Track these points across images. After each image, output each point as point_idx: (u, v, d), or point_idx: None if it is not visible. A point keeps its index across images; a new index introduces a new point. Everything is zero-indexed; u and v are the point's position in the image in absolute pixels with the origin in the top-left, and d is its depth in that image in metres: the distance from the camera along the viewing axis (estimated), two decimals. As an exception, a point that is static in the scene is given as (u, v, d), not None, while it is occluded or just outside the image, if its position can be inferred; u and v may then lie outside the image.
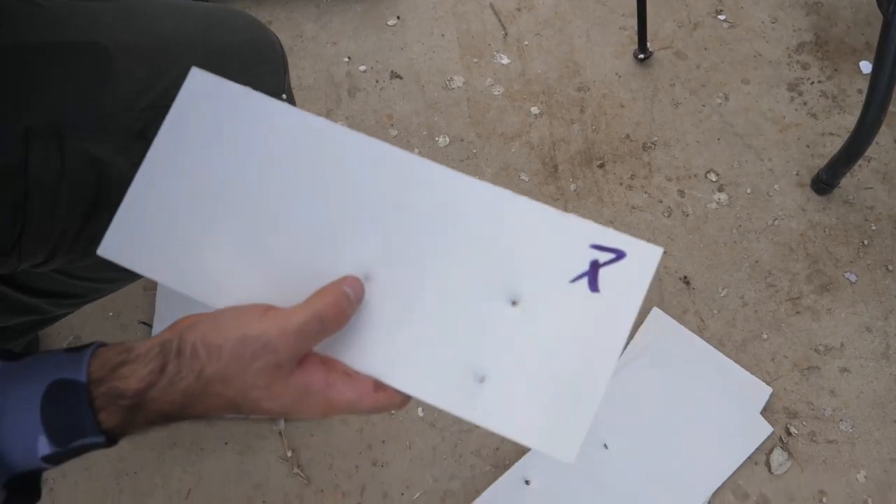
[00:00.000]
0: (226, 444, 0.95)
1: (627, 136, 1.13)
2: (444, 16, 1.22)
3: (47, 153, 0.55)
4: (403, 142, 1.12)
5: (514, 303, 0.47)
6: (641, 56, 1.17)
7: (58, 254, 0.61)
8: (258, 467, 0.94)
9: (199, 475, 0.94)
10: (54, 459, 0.44)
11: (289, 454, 0.94)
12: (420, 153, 1.11)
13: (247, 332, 0.43)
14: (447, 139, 1.13)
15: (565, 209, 1.08)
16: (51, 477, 0.93)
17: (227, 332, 0.43)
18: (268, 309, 0.45)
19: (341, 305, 0.46)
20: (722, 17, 1.23)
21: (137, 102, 0.59)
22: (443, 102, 1.15)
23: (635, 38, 1.17)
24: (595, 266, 0.47)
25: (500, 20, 1.22)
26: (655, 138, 1.13)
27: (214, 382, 0.43)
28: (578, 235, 0.47)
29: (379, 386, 0.46)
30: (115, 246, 0.50)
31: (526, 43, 1.20)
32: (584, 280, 0.46)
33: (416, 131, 1.13)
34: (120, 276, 0.75)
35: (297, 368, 0.44)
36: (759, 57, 1.20)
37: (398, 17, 1.21)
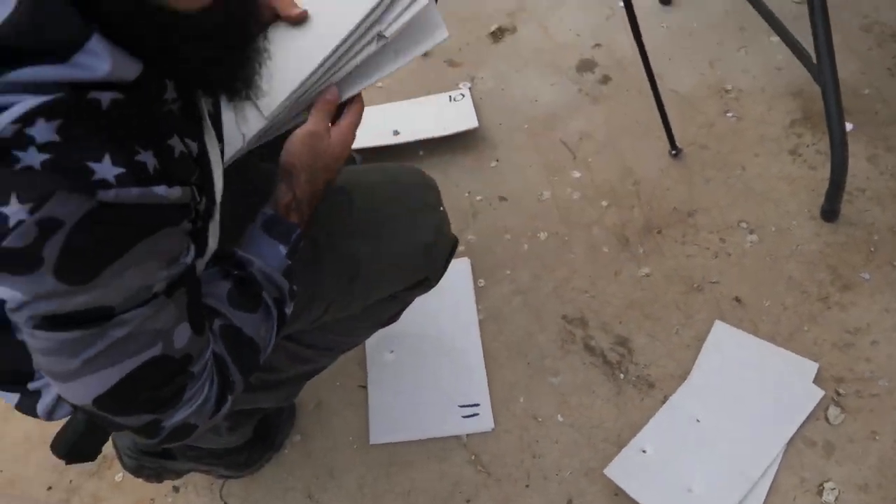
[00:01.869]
0: (427, 458, 1.35)
1: (675, 209, 1.55)
2: (529, 152, 1.70)
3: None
4: (517, 242, 1.56)
5: None
6: (674, 153, 1.61)
7: (329, 309, 1.07)
8: (453, 470, 1.33)
9: (412, 482, 1.34)
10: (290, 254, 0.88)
11: (472, 458, 1.33)
12: (529, 246, 1.56)
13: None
14: (546, 234, 1.57)
15: (638, 268, 1.49)
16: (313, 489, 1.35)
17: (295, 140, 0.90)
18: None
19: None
20: (730, 115, 1.66)
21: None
22: (538, 210, 1.61)
23: (663, 141, 1.61)
24: None
25: (569, 148, 1.69)
26: (696, 206, 1.55)
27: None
28: None
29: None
30: None
31: (590, 160, 1.66)
32: None
33: (524, 233, 1.58)
34: (362, 334, 1.20)
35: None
36: (763, 136, 1.62)
37: (497, 160, 1.70)
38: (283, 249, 0.90)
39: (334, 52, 0.90)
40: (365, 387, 1.43)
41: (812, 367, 1.34)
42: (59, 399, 0.96)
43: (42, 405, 0.98)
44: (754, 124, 1.64)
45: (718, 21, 1.84)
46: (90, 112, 0.63)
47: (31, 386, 0.96)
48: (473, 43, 1.92)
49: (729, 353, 1.37)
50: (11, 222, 0.61)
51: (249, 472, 1.40)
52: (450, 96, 1.80)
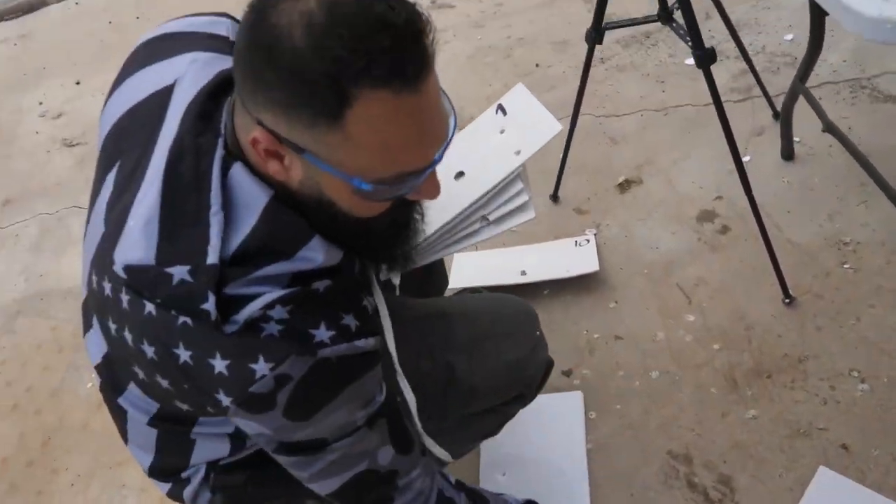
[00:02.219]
0: None
1: (785, 354, 1.60)
2: (647, 296, 1.81)
3: None
4: (629, 379, 1.66)
5: None
6: (787, 301, 1.67)
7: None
8: None
9: None
10: None
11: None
12: (640, 383, 1.64)
13: None
14: (657, 373, 1.65)
15: (745, 410, 1.54)
16: None
17: None
18: None
19: None
20: (847, 266, 1.71)
21: None
22: (651, 350, 1.70)
23: (776, 289, 1.68)
24: None
25: (684, 293, 1.78)
26: (807, 353, 1.59)
27: None
28: None
29: None
30: None
31: (704, 304, 1.75)
32: None
33: (637, 371, 1.67)
34: (467, 444, 1.35)
35: None
36: (881, 288, 1.65)
37: (616, 301, 1.82)
38: None
39: (448, 223, 1.15)
40: (476, 505, 1.54)
41: (920, 520, 1.32)
42: (198, 488, 1.17)
43: (188, 491, 1.19)
44: (871, 276, 1.68)
45: (840, 177, 1.91)
46: (311, 297, 0.87)
47: (183, 475, 1.18)
48: (601, 193, 2.09)
49: (833, 499, 1.38)
50: (257, 376, 0.85)
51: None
52: (576, 241, 1.96)
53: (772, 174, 1.97)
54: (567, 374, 1.72)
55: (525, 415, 1.43)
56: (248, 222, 0.85)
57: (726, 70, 2.30)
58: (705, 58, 1.54)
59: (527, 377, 1.31)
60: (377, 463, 0.97)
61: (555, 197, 2.10)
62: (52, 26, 3.92)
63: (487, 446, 1.62)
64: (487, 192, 1.15)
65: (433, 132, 0.81)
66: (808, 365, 1.58)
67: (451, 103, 0.85)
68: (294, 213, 0.86)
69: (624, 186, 2.09)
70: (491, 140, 1.24)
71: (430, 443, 1.16)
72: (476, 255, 2.02)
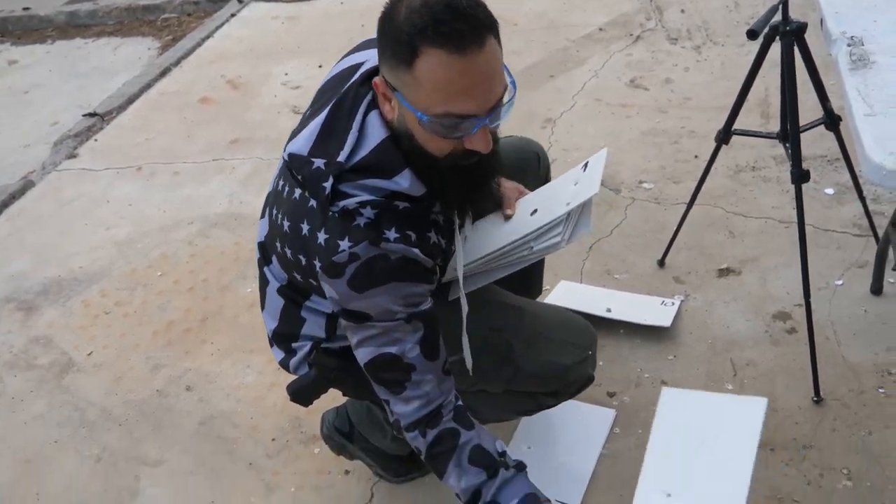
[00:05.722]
0: None
1: (794, 439, 1.84)
2: (702, 361, 2.09)
3: None
4: (656, 415, 1.94)
5: None
6: (816, 399, 1.91)
7: None
8: None
9: None
10: None
11: None
12: (663, 420, 1.93)
13: None
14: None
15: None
16: None
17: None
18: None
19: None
20: (881, 391, 1.92)
21: None
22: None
23: (812, 388, 1.91)
24: None
25: (733, 367, 2.05)
26: (813, 443, 1.82)
27: None
28: None
29: None
30: None
31: (745, 381, 2.01)
32: None
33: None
34: (504, 415, 1.74)
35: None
36: (902, 416, 1.85)
37: (674, 356, 2.11)
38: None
39: (503, 247, 1.51)
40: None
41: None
42: (301, 360, 1.59)
43: (293, 361, 1.62)
44: (899, 405, 1.89)
45: (915, 321, 2.11)
46: (392, 209, 1.30)
47: (293, 345, 1.61)
48: (702, 272, 2.38)
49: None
50: (340, 249, 1.29)
51: (397, 481, 1.92)
52: (663, 301, 2.27)
53: (855, 301, 2.19)
54: (611, 395, 2.03)
55: (565, 411, 1.76)
56: (369, 146, 1.29)
57: (858, 208, 2.51)
58: (798, 176, 1.83)
59: (567, 381, 1.61)
60: (404, 354, 1.33)
61: (661, 263, 2.42)
62: (316, 16, 4.69)
63: (525, 422, 1.97)
64: (537, 230, 1.49)
65: (478, 89, 1.18)
66: (810, 453, 1.81)
67: (514, 79, 1.24)
68: (398, 151, 1.29)
69: (723, 272, 2.37)
70: (565, 189, 1.56)
71: (467, 351, 1.50)
72: (577, 285, 2.38)
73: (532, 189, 1.64)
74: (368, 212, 1.28)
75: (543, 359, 1.58)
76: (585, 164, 1.57)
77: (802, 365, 2.01)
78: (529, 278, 1.92)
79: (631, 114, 3.22)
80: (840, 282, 2.26)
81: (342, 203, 1.28)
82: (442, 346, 1.39)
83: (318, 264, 1.32)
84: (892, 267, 1.99)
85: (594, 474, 1.85)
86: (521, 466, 1.39)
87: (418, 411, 1.36)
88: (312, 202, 1.33)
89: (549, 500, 1.32)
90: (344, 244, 1.27)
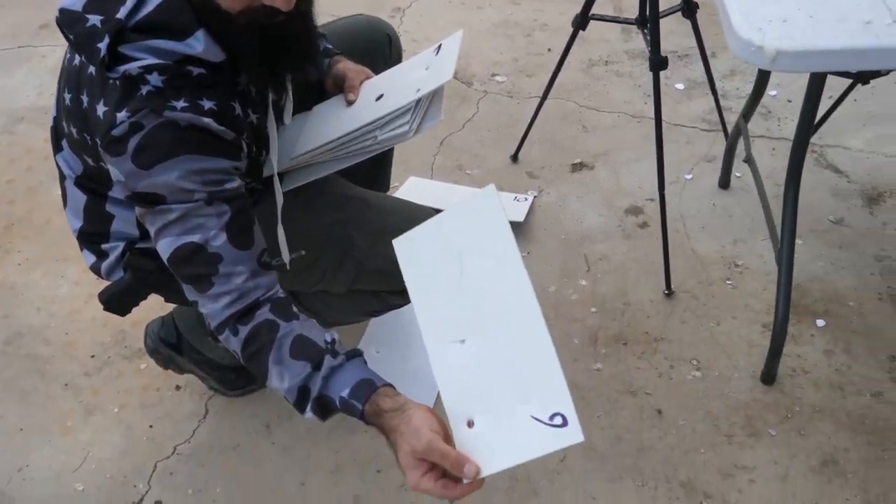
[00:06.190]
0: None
1: (646, 332, 1.82)
2: (556, 255, 2.03)
3: None
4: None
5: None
6: (667, 292, 1.89)
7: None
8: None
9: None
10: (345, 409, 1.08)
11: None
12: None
13: (421, 439, 0.97)
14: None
15: (594, 363, 1.75)
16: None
17: (420, 431, 0.97)
18: (438, 433, 0.97)
19: (459, 464, 0.96)
20: (729, 283, 1.93)
21: None
22: (540, 298, 1.92)
23: (663, 282, 1.89)
24: None
25: (587, 262, 2.00)
26: (663, 336, 1.81)
27: (398, 432, 1.00)
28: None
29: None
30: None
31: (598, 276, 1.97)
32: None
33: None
34: (350, 317, 1.58)
35: (417, 461, 0.97)
36: (748, 306, 1.86)
37: (528, 252, 2.04)
38: (339, 393, 1.10)
39: (343, 136, 1.36)
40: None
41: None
42: (114, 263, 1.39)
43: (105, 265, 1.41)
44: (745, 295, 1.89)
45: (759, 213, 2.11)
46: (183, 75, 1.11)
47: (103, 247, 1.40)
48: (555, 167, 2.31)
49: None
50: (118, 121, 1.09)
51: (233, 394, 1.76)
52: (515, 196, 2.18)
53: (704, 195, 2.18)
54: (463, 295, 1.94)
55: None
56: (155, 2, 1.09)
57: (707, 103, 2.50)
58: (656, 62, 1.75)
59: None
60: (208, 242, 1.13)
61: (514, 157, 2.32)
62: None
63: (373, 324, 1.85)
64: (382, 117, 1.34)
65: None
66: (661, 345, 1.79)
67: None
68: (190, 9, 1.10)
69: (576, 167, 2.31)
70: (415, 73, 1.41)
71: (283, 243, 1.36)
72: (427, 181, 2.25)
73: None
74: (155, 78, 1.08)
75: (389, 254, 1.46)
76: (438, 48, 1.42)
77: (654, 259, 1.99)
78: (376, 172, 1.77)
79: (483, 5, 3.07)
80: (689, 176, 2.24)
81: (123, 68, 1.07)
82: (258, 234, 1.20)
83: (99, 143, 1.12)
84: (744, 159, 1.98)
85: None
86: (354, 353, 1.16)
87: (228, 308, 1.16)
88: (91, 69, 1.13)
89: (389, 385, 1.10)
90: (122, 115, 1.08)
